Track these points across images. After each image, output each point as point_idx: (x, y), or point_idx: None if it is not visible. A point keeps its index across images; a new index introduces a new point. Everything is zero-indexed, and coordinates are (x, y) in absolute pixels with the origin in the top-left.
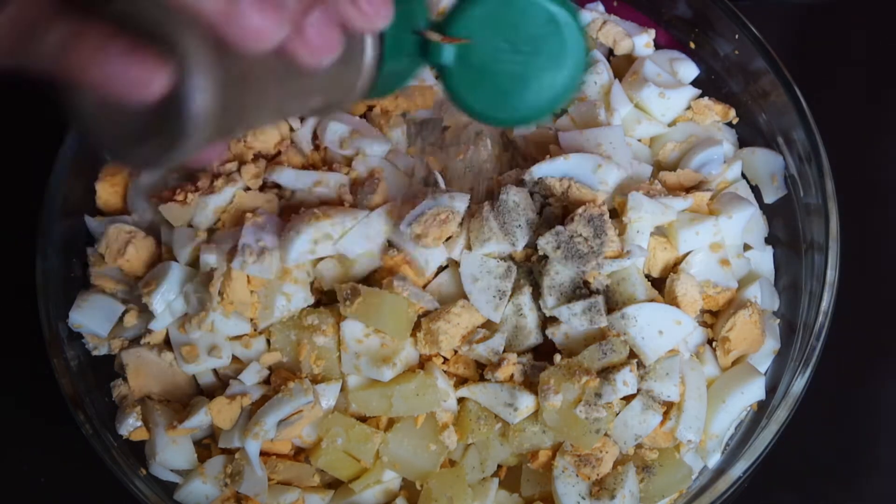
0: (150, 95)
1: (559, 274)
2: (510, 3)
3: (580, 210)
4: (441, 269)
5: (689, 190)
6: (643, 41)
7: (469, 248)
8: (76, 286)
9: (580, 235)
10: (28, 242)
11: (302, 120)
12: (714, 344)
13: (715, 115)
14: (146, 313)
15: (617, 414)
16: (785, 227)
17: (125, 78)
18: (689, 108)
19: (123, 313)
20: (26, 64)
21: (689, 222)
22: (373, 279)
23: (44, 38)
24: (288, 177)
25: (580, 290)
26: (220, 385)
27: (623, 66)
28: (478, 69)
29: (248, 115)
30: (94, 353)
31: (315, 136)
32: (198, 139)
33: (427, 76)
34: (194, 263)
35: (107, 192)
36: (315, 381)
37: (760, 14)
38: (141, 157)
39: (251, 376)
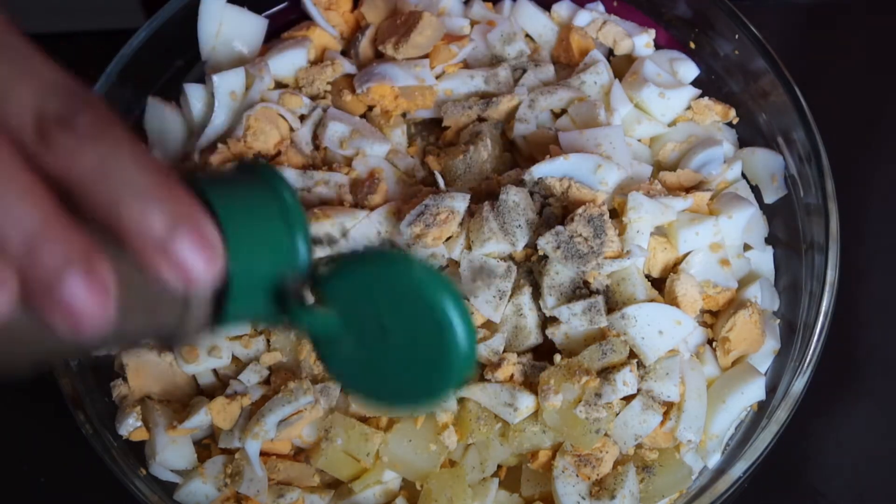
0: None
1: (559, 274)
2: (396, 285)
3: (580, 210)
4: (441, 269)
5: (689, 190)
6: (643, 41)
7: (469, 248)
8: None
9: (580, 235)
10: None
11: (302, 119)
12: (714, 344)
13: (715, 115)
14: None
15: (617, 414)
16: (785, 227)
17: None
18: (689, 108)
19: None
20: None
21: (689, 222)
22: None
23: None
24: (288, 176)
25: (580, 290)
26: (220, 385)
27: (623, 66)
28: (346, 339)
29: None
30: (94, 353)
31: (315, 136)
32: None
33: (427, 77)
34: None
35: None
36: (315, 381)
37: (760, 14)
38: None
39: (251, 376)
